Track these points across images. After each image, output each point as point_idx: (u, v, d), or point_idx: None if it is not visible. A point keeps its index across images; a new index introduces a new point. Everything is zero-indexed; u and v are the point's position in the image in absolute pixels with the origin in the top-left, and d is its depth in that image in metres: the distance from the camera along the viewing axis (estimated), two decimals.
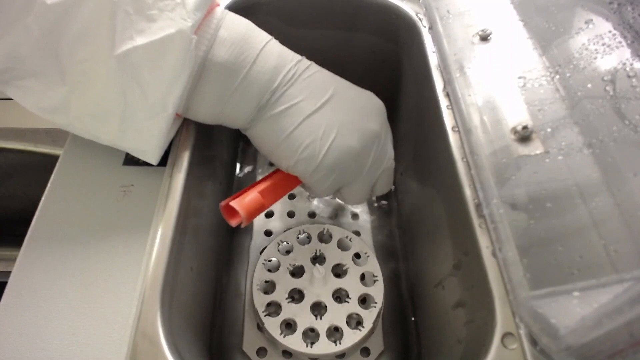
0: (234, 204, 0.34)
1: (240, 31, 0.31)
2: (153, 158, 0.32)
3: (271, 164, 0.55)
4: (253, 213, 0.34)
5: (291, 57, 0.33)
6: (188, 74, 0.29)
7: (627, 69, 0.29)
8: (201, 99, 0.32)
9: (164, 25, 0.27)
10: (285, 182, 0.37)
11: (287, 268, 0.44)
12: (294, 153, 0.33)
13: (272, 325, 0.40)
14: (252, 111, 0.33)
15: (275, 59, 0.32)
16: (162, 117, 0.30)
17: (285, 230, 0.47)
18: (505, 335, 0.26)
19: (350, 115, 0.34)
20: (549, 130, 0.31)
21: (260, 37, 0.32)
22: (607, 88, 0.29)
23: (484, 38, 0.37)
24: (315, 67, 0.34)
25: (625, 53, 0.30)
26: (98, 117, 0.30)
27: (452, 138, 0.35)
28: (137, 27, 0.27)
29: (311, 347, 0.39)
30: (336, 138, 0.33)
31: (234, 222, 0.35)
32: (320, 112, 0.33)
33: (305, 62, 0.34)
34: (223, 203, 0.35)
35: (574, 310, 0.24)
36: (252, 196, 0.34)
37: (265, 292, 0.42)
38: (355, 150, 0.34)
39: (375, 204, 0.52)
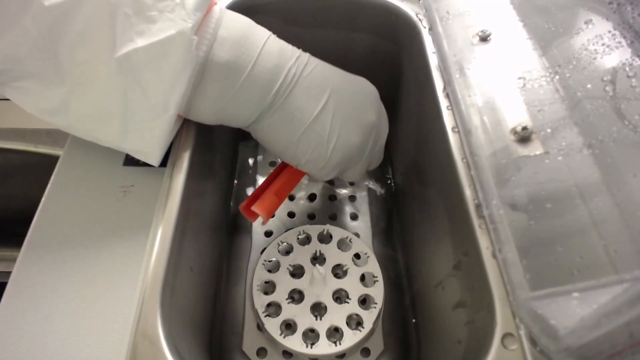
0: (255, 208, 0.38)
1: (240, 30, 0.31)
2: (154, 159, 0.32)
3: (272, 164, 0.55)
4: (272, 212, 0.39)
5: (290, 54, 0.33)
6: (189, 74, 0.29)
7: (627, 69, 0.29)
8: (203, 100, 0.32)
9: (164, 26, 0.27)
10: (295, 177, 0.41)
11: (287, 268, 0.44)
12: (303, 155, 0.35)
13: (272, 325, 0.40)
14: (255, 111, 0.33)
15: (276, 57, 0.32)
16: (164, 118, 0.30)
17: (285, 231, 0.47)
18: (505, 335, 0.26)
19: (349, 110, 0.35)
20: (548, 130, 0.31)
21: (260, 35, 0.32)
22: (607, 88, 0.29)
23: (484, 39, 0.37)
24: (313, 62, 0.34)
25: (625, 53, 0.30)
26: (98, 119, 0.30)
27: (452, 139, 0.35)
28: (137, 29, 0.27)
29: (311, 347, 0.39)
30: (340, 137, 0.35)
31: (253, 219, 0.41)
32: (324, 113, 0.34)
33: (304, 57, 0.34)
34: (243, 204, 0.40)
35: (574, 311, 0.24)
36: (269, 197, 0.39)
37: (265, 293, 0.42)
38: (356, 144, 0.36)
39: (375, 212, 0.52)
